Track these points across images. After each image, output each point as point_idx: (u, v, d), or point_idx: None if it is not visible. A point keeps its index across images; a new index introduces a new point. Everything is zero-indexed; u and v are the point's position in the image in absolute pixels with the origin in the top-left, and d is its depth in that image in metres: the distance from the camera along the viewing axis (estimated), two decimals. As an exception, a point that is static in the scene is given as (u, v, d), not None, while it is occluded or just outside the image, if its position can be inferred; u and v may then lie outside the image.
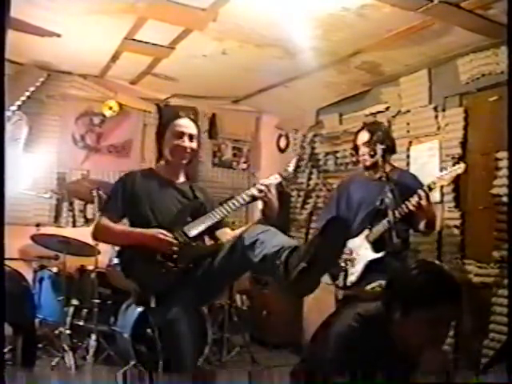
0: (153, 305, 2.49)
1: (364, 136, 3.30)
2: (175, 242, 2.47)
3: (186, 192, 2.70)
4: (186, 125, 2.68)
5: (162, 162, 2.74)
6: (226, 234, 2.68)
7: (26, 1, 3.10)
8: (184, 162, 2.69)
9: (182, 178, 2.75)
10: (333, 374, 1.66)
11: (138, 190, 2.61)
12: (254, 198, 2.53)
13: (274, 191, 2.54)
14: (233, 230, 2.74)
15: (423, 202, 2.93)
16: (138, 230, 2.53)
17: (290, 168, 2.68)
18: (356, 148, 3.38)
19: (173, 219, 2.56)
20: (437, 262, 1.90)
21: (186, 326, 2.52)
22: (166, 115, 2.70)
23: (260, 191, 2.50)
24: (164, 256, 2.45)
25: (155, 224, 2.54)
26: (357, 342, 1.67)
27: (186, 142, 2.64)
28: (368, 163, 3.29)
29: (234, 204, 2.55)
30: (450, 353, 1.54)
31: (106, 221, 2.57)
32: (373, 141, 3.23)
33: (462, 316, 1.84)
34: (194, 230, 2.53)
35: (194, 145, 2.67)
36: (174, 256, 2.45)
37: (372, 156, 3.24)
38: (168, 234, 2.47)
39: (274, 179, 2.60)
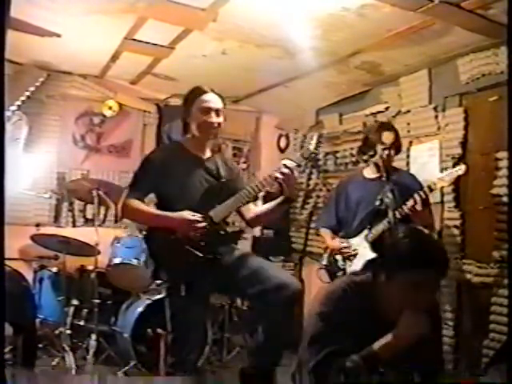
0: (183, 293, 2.50)
1: (390, 135, 3.29)
2: (203, 227, 2.49)
3: (212, 170, 2.72)
4: (212, 100, 2.69)
5: (189, 136, 2.74)
6: (250, 211, 2.77)
7: (26, 1, 3.10)
8: (211, 137, 2.70)
9: (208, 153, 2.77)
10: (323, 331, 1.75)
11: (167, 166, 2.62)
12: (277, 180, 2.54)
13: (296, 174, 2.55)
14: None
15: (418, 207, 2.94)
16: (167, 213, 2.54)
17: (312, 146, 2.61)
18: (371, 146, 3.31)
19: (200, 202, 2.58)
20: (425, 230, 1.92)
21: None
22: (191, 91, 2.68)
23: (283, 174, 2.49)
24: (191, 243, 2.46)
25: (183, 206, 2.54)
26: (345, 303, 1.77)
27: (214, 118, 2.67)
28: (391, 162, 3.29)
29: (257, 186, 2.57)
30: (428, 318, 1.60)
31: (134, 201, 2.59)
32: (397, 140, 3.27)
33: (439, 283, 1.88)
34: (219, 215, 2.56)
35: (220, 119, 2.70)
36: (202, 243, 2.47)
37: (395, 154, 3.30)
38: (198, 219, 2.48)
39: (296, 161, 2.57)
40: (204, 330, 3.80)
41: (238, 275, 2.54)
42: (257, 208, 2.75)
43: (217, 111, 2.68)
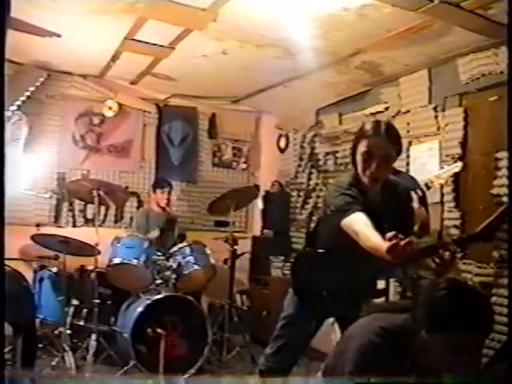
0: None
1: None
2: None
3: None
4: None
5: None
6: None
7: (26, 1, 3.10)
8: None
9: None
10: None
11: None
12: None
13: None
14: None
15: (415, 205, 2.94)
16: None
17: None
18: None
19: None
20: (469, 282, 1.78)
21: None
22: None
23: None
24: None
25: None
26: (377, 358, 1.60)
27: None
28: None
29: None
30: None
31: None
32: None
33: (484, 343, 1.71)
34: None
35: None
36: None
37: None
38: None
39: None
40: (204, 333, 3.82)
41: None
42: None
43: None
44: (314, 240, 2.63)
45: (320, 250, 2.53)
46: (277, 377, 2.53)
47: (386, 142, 2.30)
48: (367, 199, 2.33)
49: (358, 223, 2.19)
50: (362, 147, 2.31)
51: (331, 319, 2.71)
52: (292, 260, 2.82)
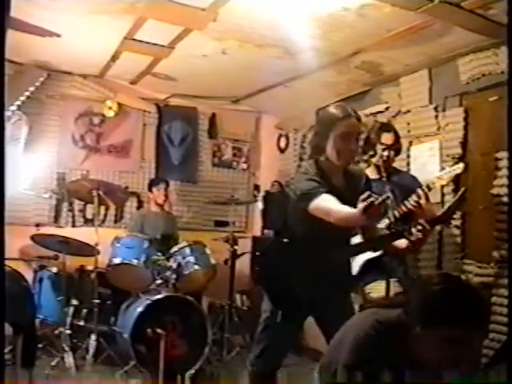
0: None
1: (390, 137, 3.29)
2: None
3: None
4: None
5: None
6: None
7: (25, 1, 3.10)
8: None
9: None
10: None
11: None
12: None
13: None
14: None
15: (422, 201, 2.94)
16: None
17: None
18: (371, 146, 3.31)
19: None
20: (462, 277, 1.80)
21: None
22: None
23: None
24: None
25: None
26: (376, 351, 1.61)
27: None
28: (391, 163, 3.29)
29: None
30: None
31: None
32: (397, 142, 3.29)
33: (484, 336, 1.73)
34: None
35: None
36: None
37: (395, 155, 3.31)
38: None
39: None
40: (204, 333, 3.81)
41: None
42: None
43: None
44: (279, 232, 2.68)
45: (285, 240, 2.57)
46: (264, 379, 2.56)
47: (357, 122, 2.47)
48: (331, 184, 2.43)
49: (327, 202, 2.30)
50: (339, 129, 2.41)
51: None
52: (257, 254, 2.87)
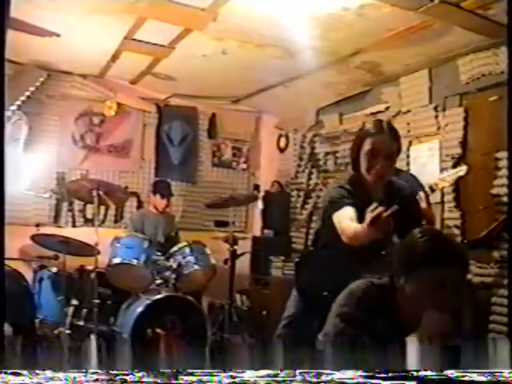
0: None
1: None
2: None
3: None
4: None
5: None
6: None
7: (25, 1, 3.10)
8: None
9: None
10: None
11: None
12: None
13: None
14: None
15: (423, 205, 2.93)
16: None
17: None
18: None
19: None
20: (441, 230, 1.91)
21: None
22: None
23: None
24: None
25: None
26: (366, 304, 1.74)
27: None
28: None
29: None
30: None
31: None
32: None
33: (464, 279, 1.84)
34: None
35: None
36: None
37: None
38: None
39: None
40: (204, 333, 3.81)
41: None
42: None
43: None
44: (317, 239, 2.65)
45: (321, 249, 2.56)
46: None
47: (389, 139, 2.37)
48: (369, 198, 2.33)
49: (343, 219, 2.25)
50: (366, 146, 2.36)
51: None
52: (296, 260, 2.84)
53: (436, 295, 1.67)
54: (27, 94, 4.42)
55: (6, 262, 2.19)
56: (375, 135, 2.36)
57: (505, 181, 3.14)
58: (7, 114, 4.09)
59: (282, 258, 5.08)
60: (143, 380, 1.32)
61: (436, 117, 3.76)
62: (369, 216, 1.94)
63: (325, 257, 2.51)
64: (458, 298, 1.80)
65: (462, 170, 3.03)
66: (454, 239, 1.83)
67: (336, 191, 2.36)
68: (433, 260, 1.66)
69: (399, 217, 2.00)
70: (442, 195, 3.61)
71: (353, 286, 1.83)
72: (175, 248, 4.16)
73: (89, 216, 4.87)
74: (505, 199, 3.15)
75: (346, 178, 2.47)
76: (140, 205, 5.13)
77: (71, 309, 3.92)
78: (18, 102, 4.32)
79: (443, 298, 1.68)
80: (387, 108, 4.21)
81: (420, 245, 1.71)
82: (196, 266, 4.11)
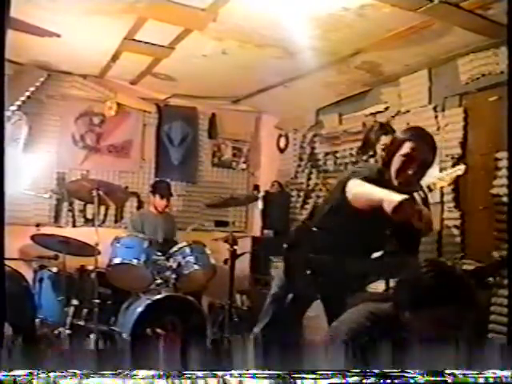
0: None
1: (388, 139, 3.31)
2: None
3: None
4: None
5: None
6: None
7: (25, 1, 3.10)
8: None
9: None
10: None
11: None
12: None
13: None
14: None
15: (420, 207, 2.94)
16: None
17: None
18: (371, 146, 3.33)
19: None
20: (447, 262, 1.90)
21: None
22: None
23: None
24: None
25: None
26: (368, 335, 1.70)
27: None
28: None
29: None
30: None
31: None
32: None
33: (471, 316, 1.82)
34: None
35: None
36: None
37: None
38: None
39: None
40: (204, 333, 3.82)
41: None
42: None
43: None
44: (311, 217, 2.70)
45: (314, 228, 2.60)
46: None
47: (429, 149, 2.41)
48: None
49: (365, 185, 2.28)
50: (405, 149, 2.37)
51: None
52: (290, 235, 2.91)
53: (442, 329, 1.65)
54: (27, 94, 4.42)
55: (6, 262, 2.19)
56: (416, 141, 2.37)
57: (505, 181, 3.14)
58: (7, 114, 4.09)
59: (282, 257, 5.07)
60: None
61: (436, 117, 3.76)
62: (399, 197, 2.00)
63: (316, 235, 2.56)
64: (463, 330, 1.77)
65: (461, 169, 3.02)
66: (459, 272, 1.80)
67: (364, 170, 2.41)
68: (438, 298, 1.64)
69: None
70: (442, 195, 3.61)
71: (355, 316, 1.79)
72: (175, 248, 4.16)
73: (89, 216, 4.87)
74: (505, 199, 3.15)
75: (373, 169, 2.50)
76: (140, 205, 5.14)
77: (71, 309, 3.93)
78: (18, 102, 4.32)
79: (449, 331, 1.66)
80: (387, 108, 4.21)
81: (425, 281, 1.68)
82: (196, 266, 4.11)
